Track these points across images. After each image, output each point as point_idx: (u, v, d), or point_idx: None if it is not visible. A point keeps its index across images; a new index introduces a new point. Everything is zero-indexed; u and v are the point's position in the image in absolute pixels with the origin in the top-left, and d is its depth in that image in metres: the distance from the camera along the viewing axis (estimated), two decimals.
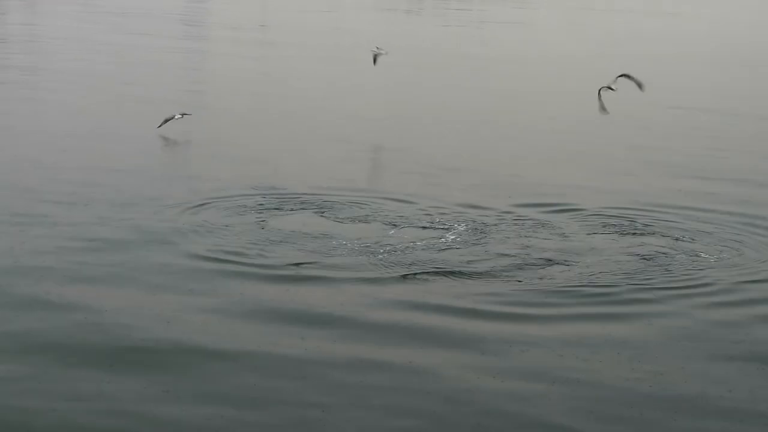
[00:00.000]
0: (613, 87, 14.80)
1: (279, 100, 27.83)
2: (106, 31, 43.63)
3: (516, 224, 15.18)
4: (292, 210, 15.70)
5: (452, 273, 12.79)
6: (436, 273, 12.76)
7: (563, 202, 16.60)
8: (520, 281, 12.63)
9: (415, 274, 12.70)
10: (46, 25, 45.86)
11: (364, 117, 25.62)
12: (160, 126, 21.19)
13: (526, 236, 14.51)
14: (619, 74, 14.70)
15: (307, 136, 22.56)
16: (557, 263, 13.30)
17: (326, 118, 25.21)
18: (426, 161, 20.20)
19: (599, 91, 14.80)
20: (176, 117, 21.18)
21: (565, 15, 68.25)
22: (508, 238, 14.37)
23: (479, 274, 12.78)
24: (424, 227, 14.96)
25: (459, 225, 15.00)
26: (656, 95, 23.37)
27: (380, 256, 13.36)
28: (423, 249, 13.74)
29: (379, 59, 20.76)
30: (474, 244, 14.10)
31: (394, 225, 15.07)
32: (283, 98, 28.05)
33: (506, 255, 13.56)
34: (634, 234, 14.87)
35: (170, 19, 52.33)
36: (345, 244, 13.94)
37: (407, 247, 13.85)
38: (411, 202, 16.48)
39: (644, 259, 13.73)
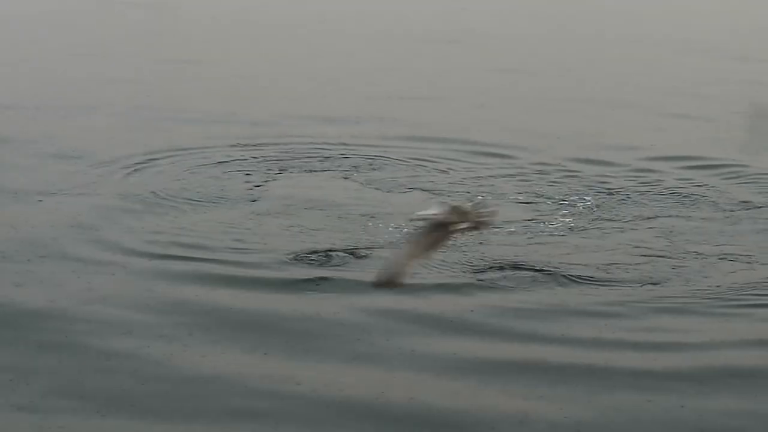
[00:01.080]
0: None
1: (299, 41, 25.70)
2: None
3: (653, 191, 12.23)
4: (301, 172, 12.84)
5: (562, 276, 9.32)
6: (533, 277, 9.39)
7: (712, 157, 13.84)
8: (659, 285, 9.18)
9: (492, 277, 9.44)
10: None
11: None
12: None
13: (671, 214, 11.40)
14: None
15: (331, 70, 20.52)
16: (720, 257, 9.89)
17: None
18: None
19: None
20: None
21: None
22: (644, 217, 11.21)
23: (600, 281, 9.43)
24: (517, 199, 11.84)
25: (578, 196, 12.06)
26: None
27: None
28: (513, 237, 10.53)
29: None
30: (591, 227, 10.87)
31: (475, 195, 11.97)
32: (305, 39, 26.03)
33: (643, 247, 10.22)
34: None
35: None
36: (385, 228, 10.72)
37: (488, 233, 10.36)
38: (496, 156, 13.64)
39: None
